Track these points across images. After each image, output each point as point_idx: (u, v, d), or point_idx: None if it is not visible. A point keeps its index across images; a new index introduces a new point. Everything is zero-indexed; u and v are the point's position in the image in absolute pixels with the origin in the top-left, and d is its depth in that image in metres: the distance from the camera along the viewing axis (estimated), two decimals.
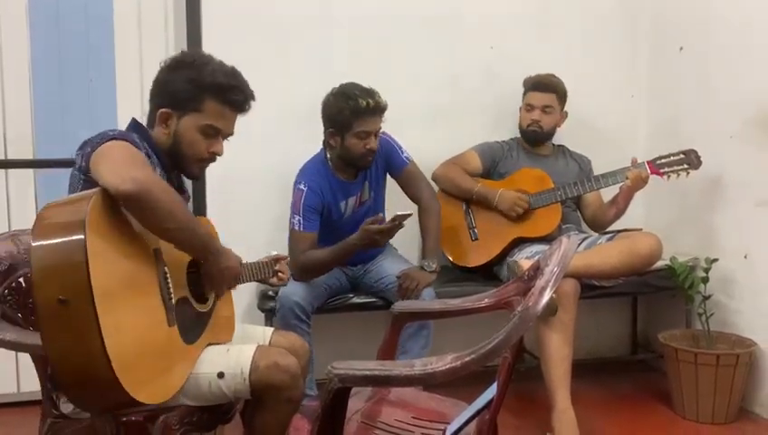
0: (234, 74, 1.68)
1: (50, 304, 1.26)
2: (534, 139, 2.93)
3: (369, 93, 2.43)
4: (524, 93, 2.92)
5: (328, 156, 2.58)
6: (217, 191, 2.85)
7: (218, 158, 1.73)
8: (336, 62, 2.94)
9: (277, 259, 1.99)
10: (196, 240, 1.55)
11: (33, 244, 1.29)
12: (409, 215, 2.26)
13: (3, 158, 2.74)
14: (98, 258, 1.29)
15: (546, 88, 2.87)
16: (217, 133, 1.68)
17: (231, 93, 1.66)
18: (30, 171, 2.79)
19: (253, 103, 1.72)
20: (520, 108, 2.95)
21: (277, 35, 2.92)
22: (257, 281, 1.95)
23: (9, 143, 2.74)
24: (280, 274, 1.99)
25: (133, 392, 1.31)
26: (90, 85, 2.97)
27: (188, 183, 1.92)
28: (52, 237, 1.30)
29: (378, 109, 2.44)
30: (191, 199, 1.90)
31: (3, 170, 2.74)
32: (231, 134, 1.73)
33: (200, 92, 1.63)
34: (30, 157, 2.76)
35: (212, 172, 2.79)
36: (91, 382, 1.30)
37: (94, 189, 1.38)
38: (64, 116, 2.93)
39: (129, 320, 1.37)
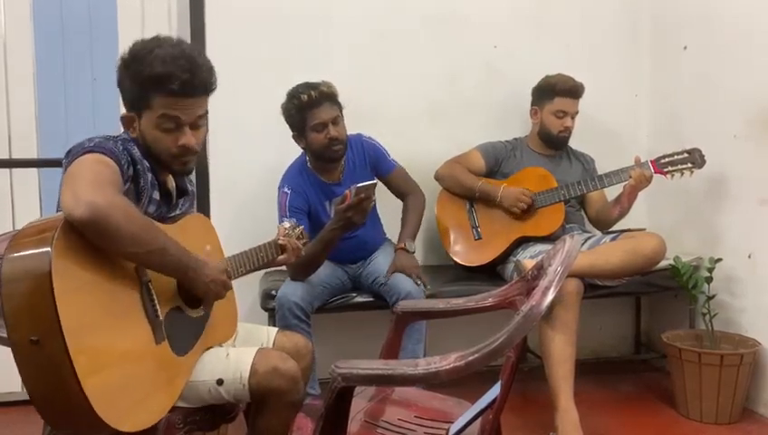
0: (173, 59, 1.51)
1: (23, 345, 1.23)
2: (562, 144, 2.93)
3: (312, 86, 2.47)
4: (549, 98, 2.85)
5: (307, 158, 2.61)
6: (219, 190, 2.85)
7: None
8: (336, 62, 2.94)
9: (283, 234, 1.91)
10: (169, 260, 1.44)
11: (3, 280, 1.25)
12: (374, 184, 2.21)
13: (7, 157, 2.74)
14: (69, 294, 1.25)
15: (578, 94, 2.85)
16: (177, 124, 1.54)
17: (169, 82, 1.50)
18: (34, 171, 2.80)
19: (205, 80, 1.56)
20: (535, 110, 2.92)
21: (278, 35, 2.93)
22: (262, 267, 1.87)
23: (13, 142, 2.74)
24: (290, 247, 1.90)
25: (118, 425, 1.29)
26: (93, 84, 2.99)
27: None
28: (19, 274, 1.26)
29: (322, 98, 2.46)
30: (195, 198, 1.85)
31: (7, 170, 2.75)
32: (194, 121, 1.57)
33: (144, 89, 1.52)
34: (34, 156, 2.77)
35: (214, 171, 2.83)
36: (73, 420, 1.29)
37: (61, 214, 1.32)
38: (68, 115, 2.94)
39: (109, 351, 1.34)
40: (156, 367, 1.47)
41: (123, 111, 1.61)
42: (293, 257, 1.92)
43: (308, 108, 2.46)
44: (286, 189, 2.56)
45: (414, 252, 2.59)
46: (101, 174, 1.39)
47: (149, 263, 1.44)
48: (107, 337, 1.35)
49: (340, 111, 2.53)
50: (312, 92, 2.45)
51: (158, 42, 1.55)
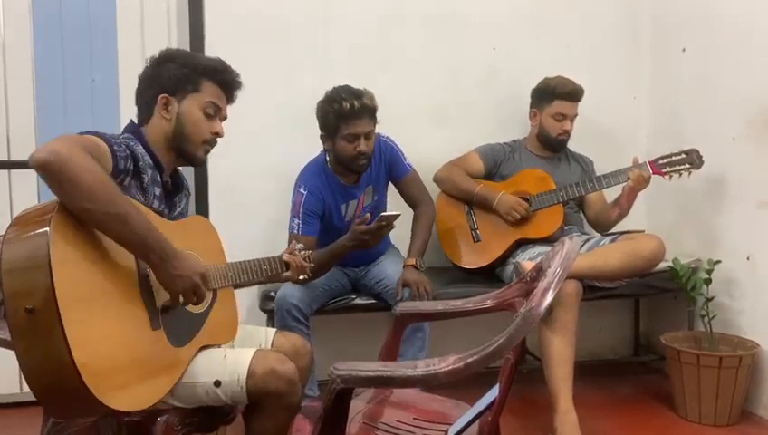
0: (223, 61, 1.75)
1: (18, 314, 1.25)
2: (561, 147, 2.93)
3: (356, 95, 2.39)
4: (548, 101, 2.85)
5: (327, 159, 2.58)
6: (219, 191, 2.85)
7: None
8: (336, 62, 2.94)
9: (290, 252, 1.94)
10: (130, 232, 1.38)
11: (3, 254, 1.28)
12: (397, 215, 2.22)
13: (6, 158, 2.74)
14: (64, 265, 1.27)
15: (577, 97, 2.84)
16: (217, 113, 1.71)
17: (225, 74, 1.71)
18: (33, 172, 2.78)
19: (239, 94, 1.77)
20: (534, 113, 2.92)
21: (278, 35, 2.93)
22: (265, 281, 1.90)
23: (12, 144, 2.74)
24: (294, 265, 1.92)
25: (107, 401, 1.29)
26: (92, 86, 2.98)
27: (191, 184, 1.92)
28: (18, 246, 1.29)
29: (364, 111, 2.39)
30: (191, 197, 1.86)
31: (6, 171, 2.75)
32: (226, 117, 1.76)
33: (197, 74, 1.67)
34: None
35: (213, 172, 2.84)
36: (62, 393, 1.29)
37: None
38: (67, 116, 2.94)
39: (103, 327, 1.35)
40: (150, 351, 1.47)
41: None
42: (297, 276, 1.94)
43: (348, 117, 2.38)
44: (302, 190, 2.52)
45: (424, 269, 2.54)
46: (77, 139, 1.41)
47: (106, 226, 1.38)
48: (101, 312, 1.36)
49: (374, 126, 2.46)
50: (356, 103, 2.36)
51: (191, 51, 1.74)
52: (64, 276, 1.27)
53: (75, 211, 1.36)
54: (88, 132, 1.49)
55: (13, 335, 1.27)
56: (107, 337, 1.35)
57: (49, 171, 1.32)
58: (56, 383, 1.28)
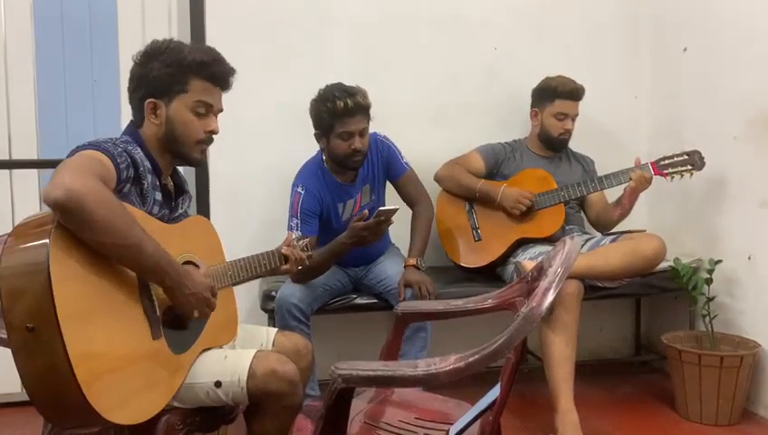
0: (211, 51, 1.65)
1: (19, 332, 1.24)
2: (562, 146, 2.93)
3: (349, 93, 2.40)
4: (550, 100, 2.84)
5: (324, 158, 2.58)
6: (219, 191, 2.85)
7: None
8: (336, 62, 2.94)
9: (288, 244, 1.92)
10: (145, 260, 1.40)
11: (2, 269, 1.27)
12: (395, 210, 2.21)
13: (7, 158, 2.74)
14: (64, 282, 1.26)
15: (578, 96, 2.84)
16: (209, 110, 1.63)
17: (213, 67, 1.62)
18: (34, 172, 2.80)
19: (231, 77, 1.67)
20: (535, 112, 2.91)
21: (279, 35, 2.93)
22: (265, 275, 1.89)
23: (13, 143, 2.74)
24: (293, 258, 1.90)
25: (110, 416, 1.29)
26: (94, 85, 2.99)
27: (191, 183, 1.92)
28: (17, 262, 1.28)
29: (357, 109, 2.39)
30: (193, 199, 1.86)
31: (7, 171, 2.75)
32: (221, 110, 1.68)
33: (183, 73, 1.59)
34: (34, 157, 2.76)
35: (214, 172, 2.84)
36: (64, 408, 1.29)
37: None
38: (69, 116, 2.95)
39: (104, 341, 1.34)
40: (152, 362, 1.47)
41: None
42: (296, 268, 1.92)
43: (342, 116, 2.38)
44: (300, 189, 2.52)
45: (425, 269, 2.54)
46: (86, 165, 1.38)
47: (124, 257, 1.40)
48: (102, 327, 1.35)
49: (368, 123, 2.47)
50: (349, 101, 2.37)
51: (179, 41, 1.65)
52: (66, 293, 1.26)
53: (90, 244, 1.35)
54: (89, 146, 1.46)
55: (13, 352, 1.26)
56: (109, 352, 1.35)
57: (65, 212, 1.29)
58: (58, 398, 1.28)
